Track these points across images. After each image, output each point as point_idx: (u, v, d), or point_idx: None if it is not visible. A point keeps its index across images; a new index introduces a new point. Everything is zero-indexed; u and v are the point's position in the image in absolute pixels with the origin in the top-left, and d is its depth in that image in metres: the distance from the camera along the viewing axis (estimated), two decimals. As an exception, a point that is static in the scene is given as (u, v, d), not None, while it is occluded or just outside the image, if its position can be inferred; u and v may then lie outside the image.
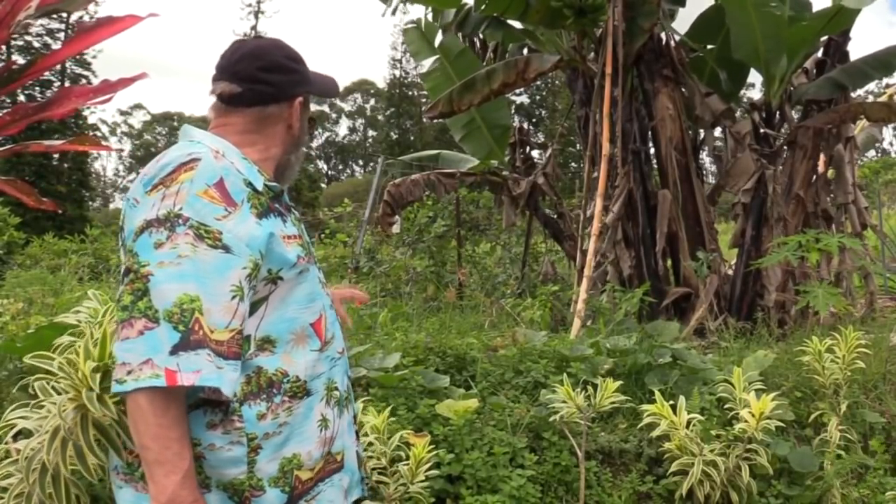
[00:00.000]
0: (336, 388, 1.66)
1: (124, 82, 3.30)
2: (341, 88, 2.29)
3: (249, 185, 1.53)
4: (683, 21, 7.46)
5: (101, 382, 1.77)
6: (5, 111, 3.31)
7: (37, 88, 29.61)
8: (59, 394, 1.91)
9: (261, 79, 1.60)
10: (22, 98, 22.25)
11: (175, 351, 1.37)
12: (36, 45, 34.61)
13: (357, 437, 1.81)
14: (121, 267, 1.51)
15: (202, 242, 1.42)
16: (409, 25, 9.23)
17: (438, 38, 8.82)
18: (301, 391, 1.56)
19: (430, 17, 8.63)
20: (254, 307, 1.51)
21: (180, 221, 1.42)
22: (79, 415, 1.81)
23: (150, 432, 1.38)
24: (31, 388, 2.03)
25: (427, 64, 9.00)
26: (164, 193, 1.44)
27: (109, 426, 1.74)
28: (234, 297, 1.43)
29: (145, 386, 1.35)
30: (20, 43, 31.18)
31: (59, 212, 3.85)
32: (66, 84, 34.37)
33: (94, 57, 33.00)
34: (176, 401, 1.39)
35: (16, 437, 2.11)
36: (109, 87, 3.28)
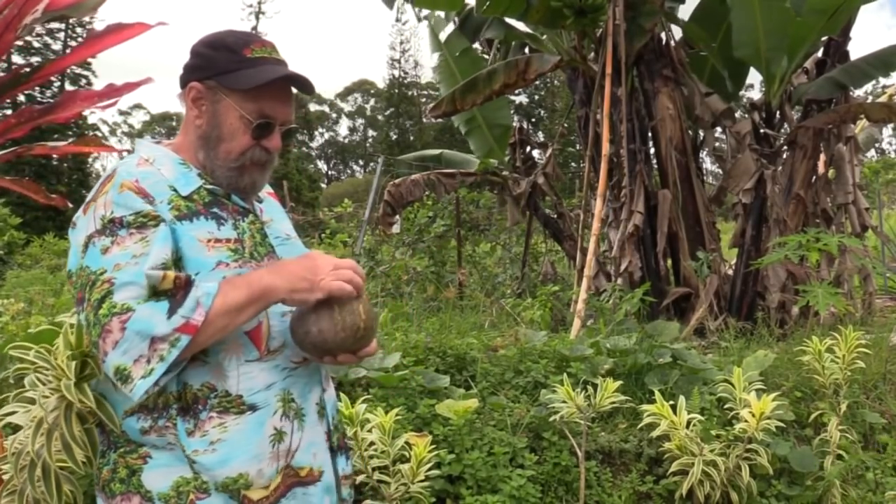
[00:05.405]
0: (293, 400, 1.55)
1: (129, 86, 3.31)
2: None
3: (173, 189, 1.52)
4: (683, 18, 7.45)
5: (81, 371, 1.75)
6: (11, 114, 3.31)
7: (36, 89, 29.58)
8: (44, 384, 1.91)
9: (183, 67, 1.60)
10: (22, 98, 22.23)
11: (173, 312, 1.37)
12: (36, 45, 34.66)
13: (334, 453, 1.64)
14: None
15: (146, 230, 1.44)
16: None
17: (443, 36, 8.87)
18: (235, 406, 1.47)
19: (424, 17, 8.66)
20: None
21: (118, 224, 1.43)
22: (62, 405, 1.80)
23: (218, 323, 1.39)
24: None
25: (436, 57, 9.12)
26: (94, 207, 1.48)
27: (90, 412, 1.70)
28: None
29: (174, 357, 1.35)
30: (19, 43, 31.08)
31: (70, 205, 3.85)
32: (67, 84, 34.38)
33: (93, 57, 32.96)
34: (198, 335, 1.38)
35: (14, 433, 2.12)
36: (115, 92, 3.29)
